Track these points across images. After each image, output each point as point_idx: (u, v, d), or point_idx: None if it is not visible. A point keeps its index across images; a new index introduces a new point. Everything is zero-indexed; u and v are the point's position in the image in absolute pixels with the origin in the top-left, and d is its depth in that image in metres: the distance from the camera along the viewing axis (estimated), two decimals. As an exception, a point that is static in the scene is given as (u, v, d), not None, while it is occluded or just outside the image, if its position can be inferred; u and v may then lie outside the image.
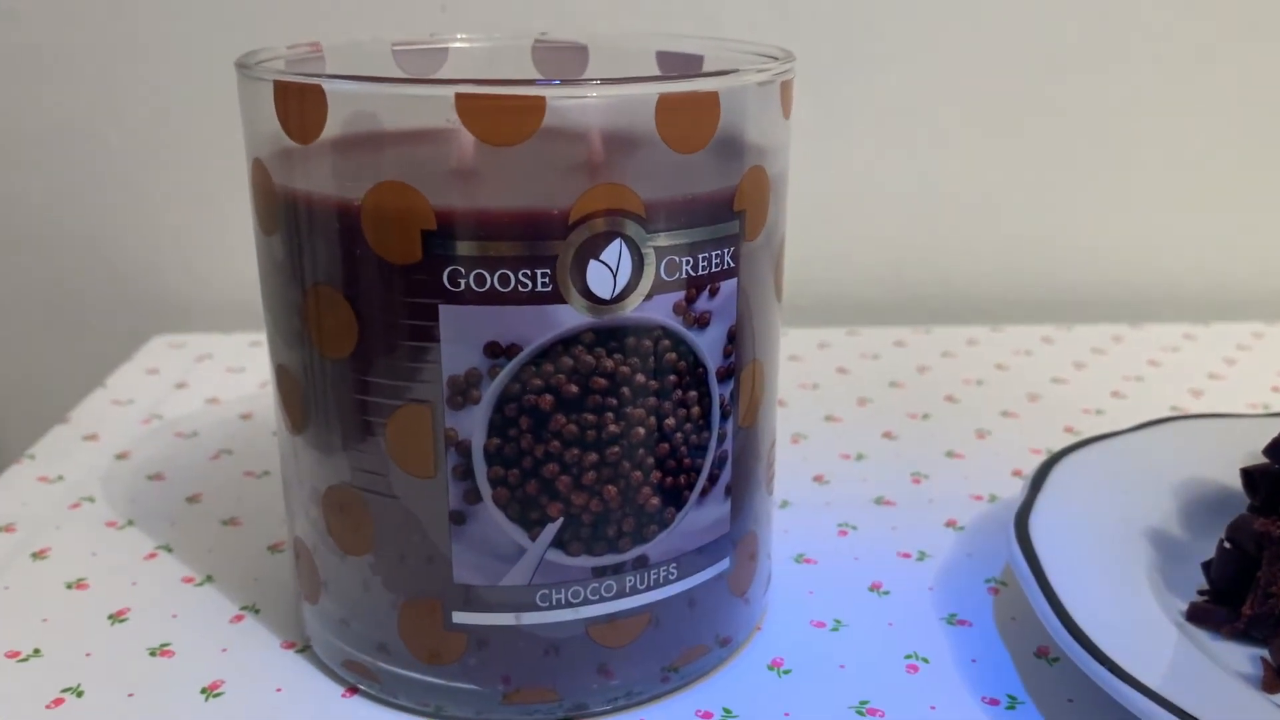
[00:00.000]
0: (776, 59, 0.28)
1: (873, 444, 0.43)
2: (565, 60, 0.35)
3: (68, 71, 0.53)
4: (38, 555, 0.35)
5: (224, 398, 0.47)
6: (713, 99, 0.25)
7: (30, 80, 0.53)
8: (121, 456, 0.41)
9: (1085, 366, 0.51)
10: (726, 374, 0.27)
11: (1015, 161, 0.57)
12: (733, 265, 0.26)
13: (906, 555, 0.35)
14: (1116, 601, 0.30)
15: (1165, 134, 0.57)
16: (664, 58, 0.33)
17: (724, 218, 0.26)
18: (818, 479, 0.40)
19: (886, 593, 0.33)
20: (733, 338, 0.27)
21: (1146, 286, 0.59)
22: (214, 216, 0.55)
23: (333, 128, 0.24)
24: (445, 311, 0.24)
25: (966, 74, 0.55)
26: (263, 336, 0.54)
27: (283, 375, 0.28)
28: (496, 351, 0.25)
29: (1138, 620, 0.29)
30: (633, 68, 0.34)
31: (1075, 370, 0.50)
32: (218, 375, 0.49)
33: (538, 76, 0.34)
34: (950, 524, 0.37)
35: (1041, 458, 0.41)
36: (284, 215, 0.26)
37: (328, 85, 0.24)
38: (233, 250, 0.55)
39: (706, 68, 0.32)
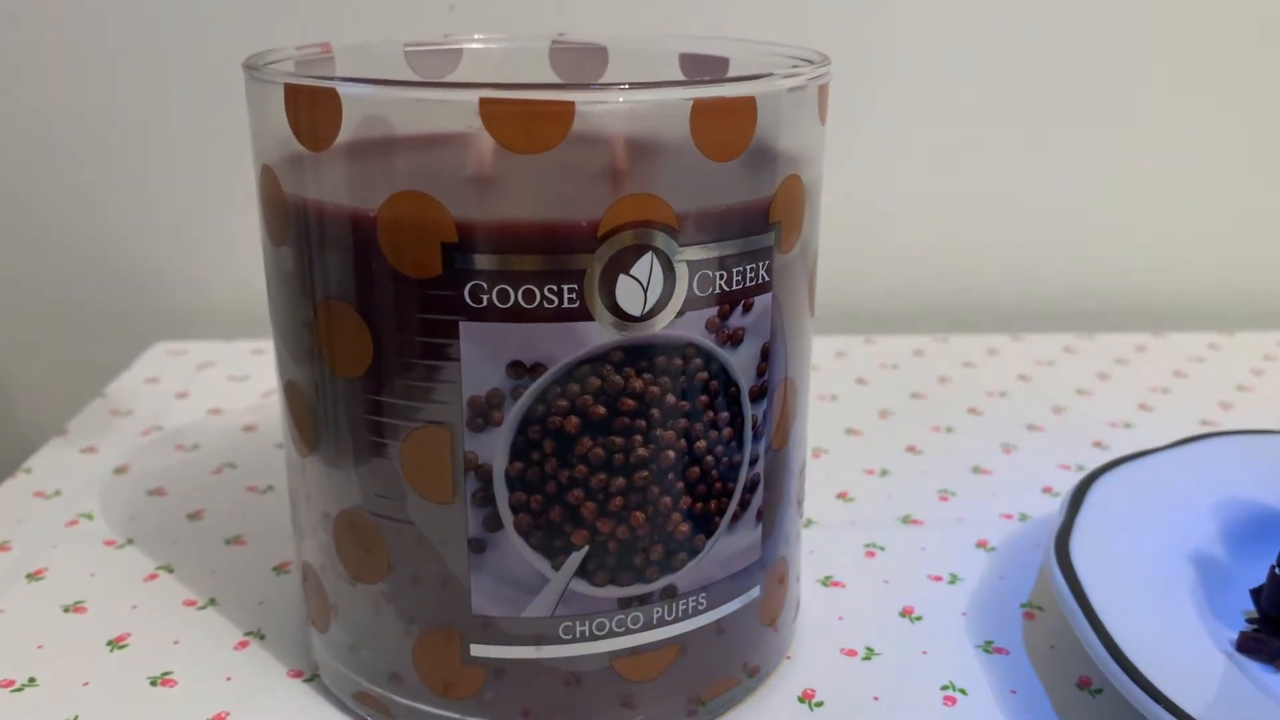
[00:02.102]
0: (811, 62, 0.27)
1: (896, 458, 0.42)
2: (584, 62, 0.33)
3: (68, 73, 0.52)
4: (34, 576, 0.33)
5: (226, 408, 0.45)
6: (749, 104, 0.23)
7: (30, 82, 0.52)
8: (121, 471, 0.40)
9: (1109, 377, 0.49)
10: (759, 393, 0.26)
11: (1035, 168, 0.56)
12: (767, 279, 0.25)
13: (938, 578, 0.34)
14: (1163, 630, 0.28)
15: (1188, 142, 0.56)
16: (688, 60, 0.32)
17: (758, 229, 0.24)
18: (842, 495, 0.39)
19: (919, 618, 0.32)
20: (766, 355, 0.26)
21: (1169, 295, 0.58)
22: (216, 221, 0.54)
23: (347, 133, 0.23)
24: (466, 329, 0.23)
25: (987, 81, 0.54)
26: (266, 344, 0.53)
27: (291, 392, 0.27)
28: (520, 371, 0.23)
29: (1186, 650, 0.28)
30: (655, 70, 0.33)
31: (1100, 381, 0.49)
32: (219, 384, 0.48)
33: (557, 79, 0.33)
34: (981, 544, 0.36)
35: (1070, 474, 0.40)
36: (294, 225, 0.24)
37: (342, 89, 0.23)
38: (235, 256, 0.54)
39: (734, 71, 0.31)
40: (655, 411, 0.24)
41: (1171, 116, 0.55)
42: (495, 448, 0.24)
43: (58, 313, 0.55)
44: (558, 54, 0.33)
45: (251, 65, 0.25)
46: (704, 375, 0.25)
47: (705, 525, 0.26)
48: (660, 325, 0.24)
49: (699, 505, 0.25)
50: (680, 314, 0.24)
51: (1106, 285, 0.58)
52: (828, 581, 0.34)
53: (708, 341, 0.24)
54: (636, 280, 0.23)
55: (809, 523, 0.37)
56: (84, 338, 0.55)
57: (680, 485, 0.25)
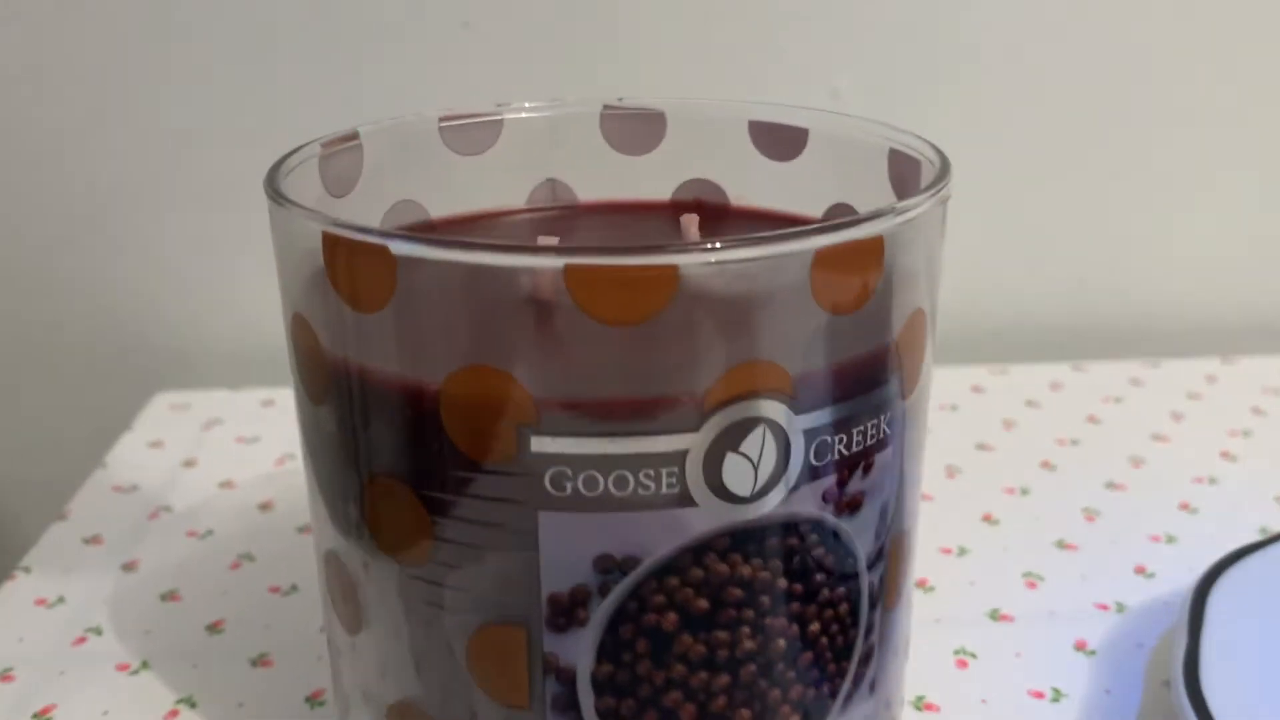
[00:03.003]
0: (925, 144, 0.23)
1: (972, 532, 0.38)
2: (639, 130, 0.29)
3: (56, 101, 0.48)
4: (40, 716, 0.30)
5: (238, 479, 0.42)
6: (876, 245, 0.20)
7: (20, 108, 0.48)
8: (130, 568, 0.37)
9: (1183, 417, 0.46)
10: (876, 557, 0.22)
11: (1084, 184, 0.52)
12: (889, 432, 0.21)
13: (1039, 695, 0.31)
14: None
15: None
16: (760, 129, 0.28)
17: (882, 380, 0.21)
18: (921, 583, 0.35)
19: (1027, 754, 0.29)
20: (885, 514, 0.22)
21: (1238, 313, 0.54)
22: (213, 257, 0.50)
23: (402, 296, 0.19)
24: (547, 520, 0.19)
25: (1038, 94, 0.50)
26: (275, 394, 0.49)
27: (333, 564, 0.23)
28: (609, 565, 0.20)
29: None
30: (722, 140, 0.29)
31: (1174, 423, 0.46)
32: (229, 448, 0.44)
33: (610, 149, 0.29)
34: (1080, 646, 0.33)
35: (1162, 547, 0.37)
36: (337, 387, 0.21)
37: (396, 248, 0.19)
38: (236, 293, 0.50)
39: (815, 142, 0.27)
40: (765, 599, 0.21)
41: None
42: (580, 649, 0.20)
43: (47, 360, 0.52)
44: (610, 121, 0.29)
45: (276, 191, 0.21)
46: (820, 551, 0.21)
47: (819, 712, 0.22)
48: (772, 504, 0.20)
49: (811, 692, 0.22)
50: (795, 488, 0.20)
51: (1163, 304, 0.54)
52: (921, 704, 0.30)
53: (825, 514, 0.21)
54: (746, 458, 0.20)
55: (889, 621, 0.33)
56: (77, 387, 0.51)
57: (791, 675, 0.22)
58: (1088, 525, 0.39)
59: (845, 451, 0.21)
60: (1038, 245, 0.53)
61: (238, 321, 0.51)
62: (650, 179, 0.30)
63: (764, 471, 0.20)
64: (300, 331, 0.21)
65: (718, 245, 0.18)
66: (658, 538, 0.20)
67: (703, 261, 0.18)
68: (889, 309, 0.21)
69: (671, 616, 0.20)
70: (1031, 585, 0.36)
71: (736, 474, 0.20)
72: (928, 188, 0.21)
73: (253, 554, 0.37)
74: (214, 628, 0.34)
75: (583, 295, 0.18)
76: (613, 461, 0.19)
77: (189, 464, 0.43)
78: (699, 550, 0.20)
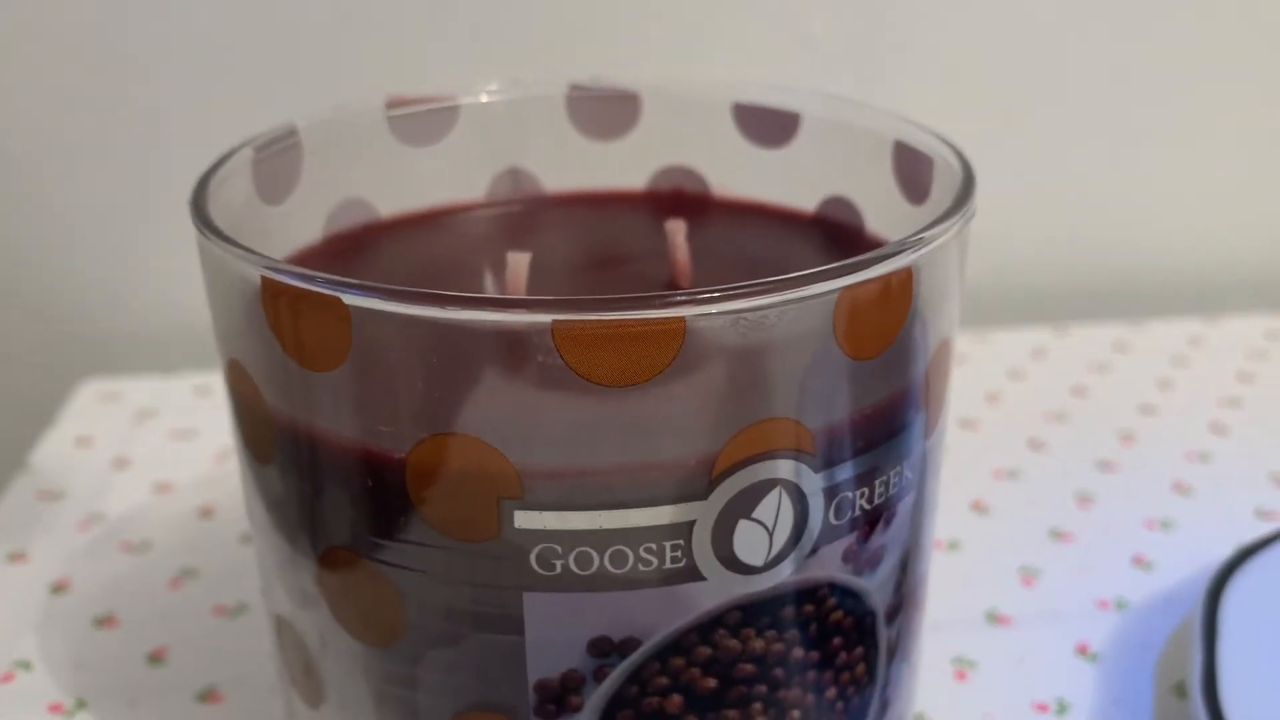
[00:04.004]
0: (939, 140, 0.21)
1: (964, 522, 0.36)
2: (612, 115, 0.27)
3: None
4: (-36, 771, 0.27)
5: (175, 481, 0.39)
6: (905, 279, 0.17)
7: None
8: (60, 590, 0.34)
9: (1171, 386, 0.44)
10: (894, 610, 0.20)
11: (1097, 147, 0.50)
12: (910, 477, 0.19)
13: (1044, 708, 0.29)
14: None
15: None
16: (745, 113, 0.26)
17: (905, 424, 0.19)
18: (911, 584, 0.34)
19: (1037, 778, 0.27)
20: (905, 564, 0.20)
21: (1221, 270, 0.52)
22: (134, 231, 0.46)
23: (360, 354, 0.16)
24: (533, 601, 0.17)
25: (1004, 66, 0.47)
26: (209, 380, 0.46)
27: (285, 632, 0.20)
28: (605, 648, 0.17)
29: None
30: (704, 125, 0.26)
31: (1161, 394, 0.44)
32: (163, 444, 0.41)
33: (579, 137, 0.26)
34: (1082, 650, 0.31)
35: (1158, 536, 0.35)
36: (285, 448, 0.18)
37: (351, 299, 0.16)
38: (161, 269, 0.47)
39: (807, 127, 0.25)
40: (779, 671, 0.18)
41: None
42: (573, 737, 0.18)
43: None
44: (578, 105, 0.26)
45: (204, 219, 0.18)
46: (838, 615, 0.19)
47: (831, 780, 0.20)
48: (787, 572, 0.18)
49: (825, 760, 0.20)
50: (813, 552, 0.18)
51: (1144, 260, 0.52)
52: (922, 724, 0.29)
53: (845, 575, 0.19)
54: (760, 524, 0.17)
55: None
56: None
57: (805, 746, 0.19)
58: (1081, 512, 0.37)
59: (867, 506, 0.18)
60: (1014, 202, 0.51)
61: (166, 299, 0.48)
62: (623, 167, 0.27)
63: (779, 538, 0.17)
64: (239, 380, 0.18)
65: (730, 294, 0.15)
66: (660, 617, 0.17)
67: (713, 313, 0.16)
68: (916, 344, 0.18)
69: (676, 699, 0.18)
70: (1028, 582, 0.34)
71: (749, 543, 0.17)
72: (957, 205, 0.19)
73: (195, 569, 0.34)
74: (155, 657, 0.31)
75: (574, 355, 0.15)
76: (608, 537, 0.17)
77: (120, 464, 0.40)
78: (707, 627, 0.18)
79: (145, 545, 0.36)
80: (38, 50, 0.44)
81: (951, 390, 0.21)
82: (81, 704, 0.29)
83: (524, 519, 0.16)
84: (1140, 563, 0.35)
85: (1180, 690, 0.30)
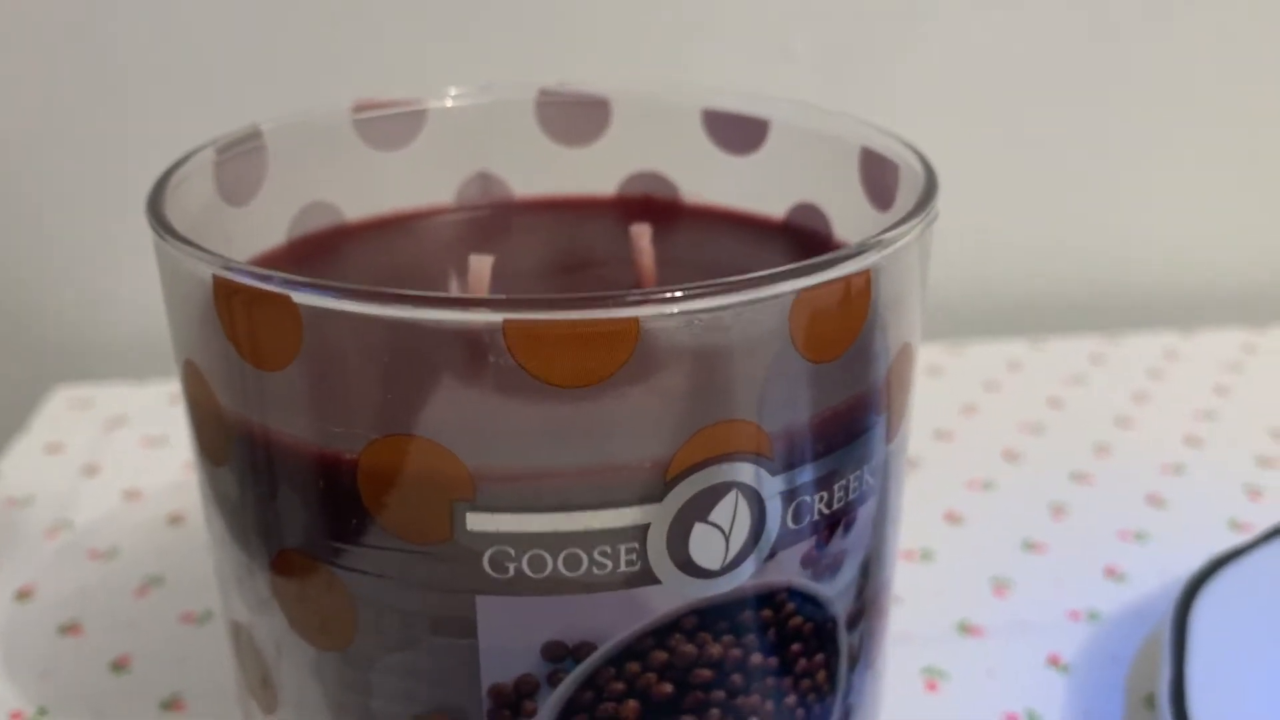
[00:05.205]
0: (904, 146, 0.21)
1: (936, 533, 0.36)
2: (582, 120, 0.26)
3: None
4: (-80, 780, 0.27)
5: (145, 489, 0.38)
6: (864, 281, 0.17)
7: None
8: (24, 596, 0.33)
9: (1146, 400, 0.44)
10: (856, 617, 0.20)
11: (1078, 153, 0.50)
12: (871, 482, 0.19)
13: (1014, 719, 0.29)
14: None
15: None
16: (715, 119, 0.26)
17: (867, 426, 0.18)
18: (883, 595, 0.33)
19: (1006, 790, 0.27)
20: (866, 569, 0.20)
21: (1199, 289, 0.53)
22: (112, 235, 0.46)
23: (310, 353, 0.16)
24: (486, 605, 0.17)
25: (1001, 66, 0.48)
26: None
27: (242, 638, 0.20)
28: (560, 653, 0.17)
29: None
30: (673, 130, 0.26)
31: (1137, 407, 0.44)
32: (134, 451, 0.41)
33: (548, 142, 0.26)
34: (1053, 661, 0.31)
35: (1131, 547, 0.35)
36: (239, 449, 0.18)
37: (301, 297, 0.16)
38: (137, 275, 0.46)
39: (777, 134, 0.25)
40: (736, 677, 0.18)
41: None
42: (528, 743, 0.18)
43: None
44: (547, 110, 0.26)
45: (160, 219, 0.18)
46: (798, 620, 0.19)
47: (793, 791, 0.20)
48: (745, 575, 0.18)
49: (786, 769, 0.20)
50: (770, 556, 0.18)
51: (1119, 275, 0.53)
52: (890, 734, 0.28)
53: (804, 580, 0.18)
54: (716, 527, 0.17)
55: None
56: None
57: (765, 754, 0.19)
58: (1054, 524, 0.37)
59: (826, 510, 0.18)
60: (991, 216, 0.51)
61: (139, 306, 0.47)
62: (593, 172, 0.27)
63: (736, 541, 0.17)
64: (193, 381, 0.18)
65: (684, 294, 0.15)
66: (615, 621, 0.17)
67: (668, 313, 0.15)
68: (876, 348, 0.18)
69: (632, 704, 0.18)
70: (1000, 593, 0.34)
71: (705, 546, 0.17)
72: (918, 208, 0.19)
73: (162, 576, 0.34)
74: (119, 665, 0.31)
75: (526, 355, 0.15)
76: (562, 540, 0.16)
77: (90, 471, 0.40)
78: (663, 631, 0.17)
79: (113, 552, 0.35)
80: (7, 56, 0.44)
81: (916, 396, 0.21)
82: (43, 712, 0.29)
83: (476, 521, 0.16)
84: (1113, 574, 0.34)
85: (1150, 702, 0.30)
